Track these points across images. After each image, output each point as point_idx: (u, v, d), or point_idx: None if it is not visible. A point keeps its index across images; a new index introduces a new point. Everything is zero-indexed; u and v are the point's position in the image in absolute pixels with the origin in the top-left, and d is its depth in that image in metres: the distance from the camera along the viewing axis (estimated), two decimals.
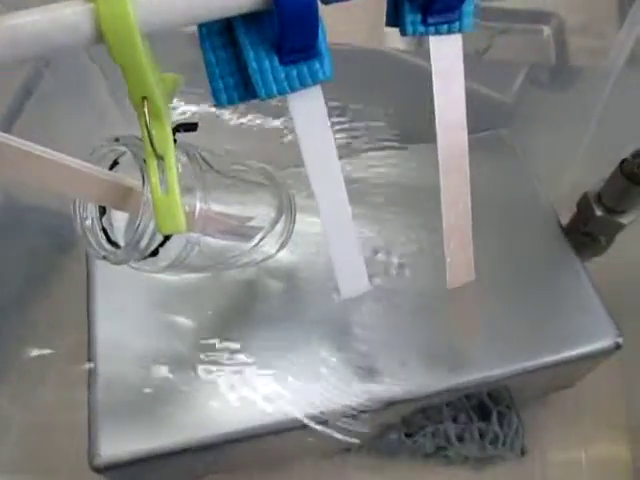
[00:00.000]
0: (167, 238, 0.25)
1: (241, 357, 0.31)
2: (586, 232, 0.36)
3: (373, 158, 0.38)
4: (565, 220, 0.37)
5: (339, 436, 0.31)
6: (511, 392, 0.36)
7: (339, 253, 0.26)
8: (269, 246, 0.31)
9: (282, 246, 0.32)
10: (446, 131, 0.24)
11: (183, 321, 0.33)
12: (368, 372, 0.31)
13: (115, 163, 0.26)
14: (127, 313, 0.33)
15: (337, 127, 0.39)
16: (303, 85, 0.22)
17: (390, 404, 0.30)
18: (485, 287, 0.33)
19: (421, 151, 0.38)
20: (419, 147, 0.38)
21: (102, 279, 0.33)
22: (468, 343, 0.32)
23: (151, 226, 0.23)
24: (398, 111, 0.39)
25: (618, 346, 0.32)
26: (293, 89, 0.22)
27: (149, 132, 0.21)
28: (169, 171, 0.22)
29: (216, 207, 0.28)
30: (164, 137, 0.22)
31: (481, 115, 0.39)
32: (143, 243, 0.24)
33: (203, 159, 0.27)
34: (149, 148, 0.22)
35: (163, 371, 0.31)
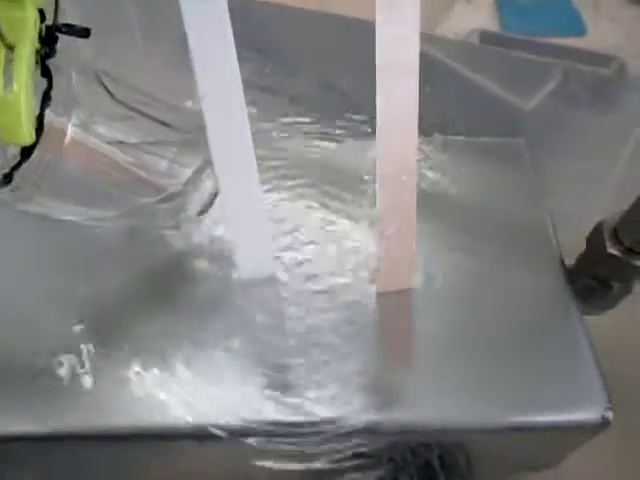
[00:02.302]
0: (23, 159, 0.20)
1: (136, 346, 0.25)
2: (595, 275, 0.29)
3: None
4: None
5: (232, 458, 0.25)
6: (470, 459, 0.28)
7: (238, 217, 0.20)
8: (190, 208, 0.26)
9: (204, 210, 0.27)
10: (388, 70, 0.18)
11: (75, 293, 0.27)
12: (274, 387, 0.24)
13: None
14: (14, 272, 0.27)
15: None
16: None
17: (292, 431, 0.23)
18: (450, 317, 0.26)
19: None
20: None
21: None
22: (411, 377, 0.25)
23: None
24: None
25: (605, 422, 0.24)
26: None
27: None
28: (18, 65, 0.18)
29: (119, 151, 0.24)
30: (19, 22, 0.18)
31: (491, 118, 0.33)
32: None
33: (101, 83, 0.22)
34: None
35: (36, 347, 0.25)
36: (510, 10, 0.61)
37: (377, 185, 0.19)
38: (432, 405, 0.24)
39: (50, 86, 0.20)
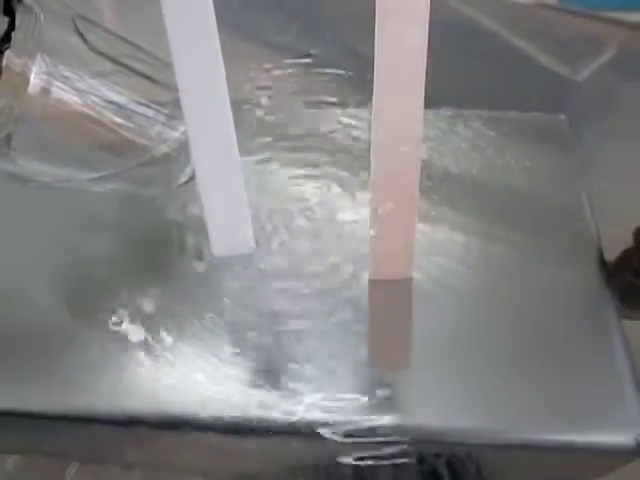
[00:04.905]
0: None
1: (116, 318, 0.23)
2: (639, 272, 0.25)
3: None
4: None
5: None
6: (481, 471, 0.25)
7: (212, 189, 0.18)
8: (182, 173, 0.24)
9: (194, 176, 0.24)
10: (392, 14, 0.15)
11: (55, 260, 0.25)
12: (265, 380, 0.22)
13: None
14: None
15: None
16: None
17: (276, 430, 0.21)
18: (458, 314, 0.23)
19: None
20: None
21: None
22: (408, 379, 0.22)
23: None
24: None
25: None
26: None
27: None
28: None
29: (100, 108, 0.22)
30: None
31: (533, 89, 0.30)
32: None
33: (77, 29, 0.20)
34: None
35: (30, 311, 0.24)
36: None
37: (372, 154, 0.16)
38: (434, 413, 0.21)
39: (12, 26, 0.18)
